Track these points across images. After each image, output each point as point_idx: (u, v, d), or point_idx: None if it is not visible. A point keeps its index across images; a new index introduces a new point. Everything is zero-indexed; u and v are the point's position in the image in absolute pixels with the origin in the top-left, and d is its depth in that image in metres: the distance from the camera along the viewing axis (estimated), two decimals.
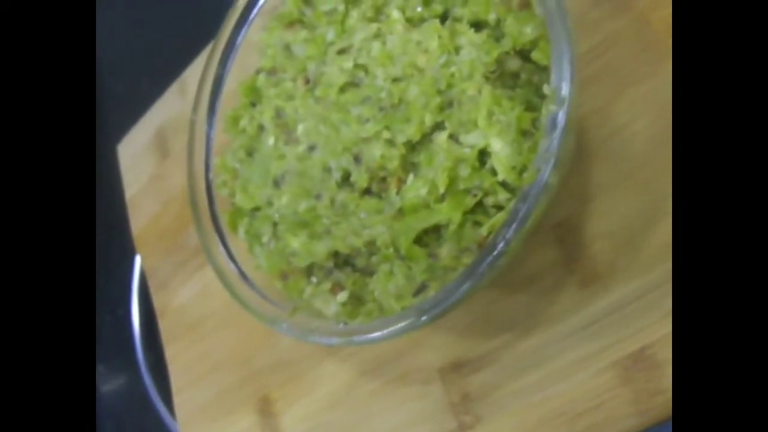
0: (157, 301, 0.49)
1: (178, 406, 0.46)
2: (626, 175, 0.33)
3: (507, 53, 0.29)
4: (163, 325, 0.48)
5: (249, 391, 0.42)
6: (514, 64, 0.29)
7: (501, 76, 0.29)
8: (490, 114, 0.28)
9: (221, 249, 0.34)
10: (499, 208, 0.28)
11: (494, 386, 0.35)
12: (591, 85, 0.35)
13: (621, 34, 0.35)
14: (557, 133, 0.25)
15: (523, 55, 0.29)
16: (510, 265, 0.30)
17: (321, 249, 0.32)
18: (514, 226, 0.25)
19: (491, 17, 0.30)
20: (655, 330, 0.31)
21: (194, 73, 0.50)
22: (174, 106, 0.51)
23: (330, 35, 0.33)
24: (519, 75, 0.30)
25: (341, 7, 0.33)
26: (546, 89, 0.26)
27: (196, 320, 0.46)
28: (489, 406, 0.35)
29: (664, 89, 0.33)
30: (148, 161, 0.51)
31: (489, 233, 0.27)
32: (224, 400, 0.44)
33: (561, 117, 0.25)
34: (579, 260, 0.34)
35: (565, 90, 0.25)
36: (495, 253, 0.25)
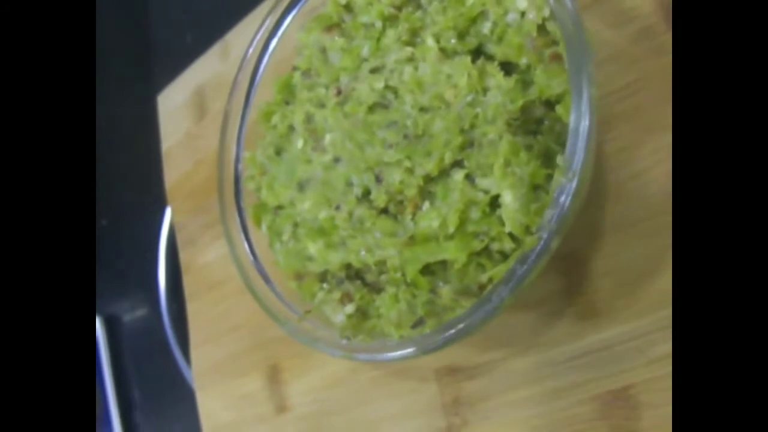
0: (183, 257, 0.51)
1: (195, 359, 0.49)
2: (638, 220, 0.34)
3: (533, 101, 0.30)
4: (187, 281, 0.51)
5: (260, 357, 0.46)
6: (538, 111, 0.30)
7: (525, 122, 0.30)
8: (507, 163, 0.29)
9: (243, 240, 0.36)
10: (505, 255, 0.29)
11: (484, 396, 0.37)
12: (619, 123, 0.35)
13: (656, 76, 0.35)
14: (563, 204, 0.26)
15: (549, 104, 0.30)
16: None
17: (335, 259, 0.33)
18: (510, 285, 0.27)
19: (522, 62, 0.30)
20: (640, 373, 0.33)
21: (236, 37, 0.51)
22: (215, 66, 0.51)
23: (365, 51, 0.34)
24: (543, 121, 0.30)
25: (378, 24, 0.33)
26: (559, 160, 0.27)
27: (218, 281, 0.48)
28: (477, 413, 0.37)
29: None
30: (185, 117, 0.53)
31: (489, 281, 0.29)
32: (237, 361, 0.47)
33: (569, 190, 0.26)
34: (580, 294, 0.35)
35: (576, 164, 0.26)
36: (488, 307, 0.27)
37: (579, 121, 0.26)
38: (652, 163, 0.34)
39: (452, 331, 0.28)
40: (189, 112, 0.53)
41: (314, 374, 0.43)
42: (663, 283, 0.33)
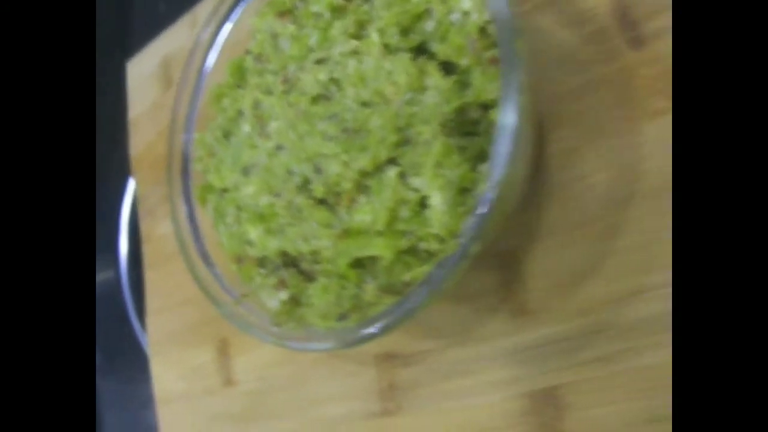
0: (144, 226, 0.52)
1: (150, 327, 0.50)
2: (576, 225, 0.34)
3: (469, 103, 0.30)
4: (146, 250, 0.51)
5: (211, 330, 0.46)
6: (475, 113, 0.30)
7: (461, 123, 0.30)
8: (438, 165, 0.29)
9: (187, 220, 0.37)
10: (431, 255, 0.30)
11: (419, 384, 0.38)
12: (568, 124, 0.35)
13: (606, 81, 0.35)
14: (483, 213, 0.26)
15: (486, 106, 0.30)
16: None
17: (273, 245, 0.34)
18: (428, 287, 0.27)
19: (463, 62, 0.30)
20: (567, 375, 0.34)
21: (205, 9, 0.50)
22: (183, 38, 0.51)
23: (313, 40, 0.34)
24: (479, 123, 0.30)
25: (327, 15, 0.33)
26: (483, 167, 0.27)
27: (176, 252, 0.49)
28: (411, 400, 0.38)
29: (630, 150, 0.33)
30: (152, 86, 0.53)
31: (412, 280, 0.29)
32: (190, 332, 0.48)
33: (490, 198, 0.26)
34: (515, 292, 0.36)
35: (497, 174, 0.26)
36: (406, 307, 0.28)
37: (505, 130, 0.26)
38: (595, 168, 0.34)
39: (371, 328, 0.29)
40: (156, 82, 0.53)
41: (259, 351, 0.44)
42: (595, 288, 0.33)
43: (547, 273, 0.35)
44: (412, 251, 0.30)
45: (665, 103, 0.33)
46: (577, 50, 0.36)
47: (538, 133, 0.35)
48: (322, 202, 0.33)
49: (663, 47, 0.33)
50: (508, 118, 0.26)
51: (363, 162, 0.31)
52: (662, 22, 0.33)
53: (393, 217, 0.30)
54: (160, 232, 0.50)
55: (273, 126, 0.34)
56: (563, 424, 0.34)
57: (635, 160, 0.33)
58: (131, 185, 0.56)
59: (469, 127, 0.30)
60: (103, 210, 0.58)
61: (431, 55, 0.31)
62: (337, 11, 0.33)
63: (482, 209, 0.27)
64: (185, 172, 0.38)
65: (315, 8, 0.34)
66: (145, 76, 0.54)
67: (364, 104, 0.32)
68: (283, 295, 0.33)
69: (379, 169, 0.31)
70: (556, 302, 0.35)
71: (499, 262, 0.36)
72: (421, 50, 0.31)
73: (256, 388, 0.44)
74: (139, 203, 0.52)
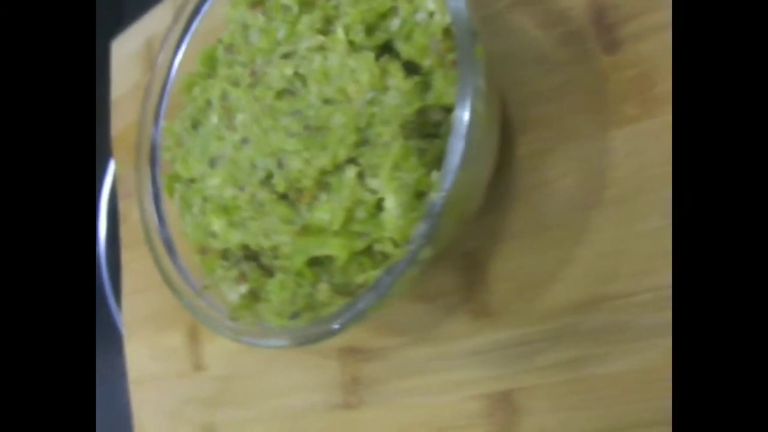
0: (122, 207, 0.52)
1: (125, 308, 0.50)
2: (540, 228, 0.34)
3: (430, 105, 0.29)
4: (123, 231, 0.51)
5: (183, 314, 0.46)
6: (436, 115, 0.30)
7: (422, 125, 0.30)
8: (395, 167, 0.29)
9: (153, 209, 0.37)
10: (386, 257, 0.30)
11: (380, 379, 0.38)
12: (537, 126, 0.35)
13: (578, 84, 0.34)
14: (432, 220, 0.26)
15: (448, 109, 0.29)
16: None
17: (235, 238, 0.34)
18: (376, 292, 0.27)
19: (426, 63, 0.30)
20: (524, 379, 0.34)
21: None
22: (167, 18, 0.51)
23: (281, 34, 0.33)
24: (441, 124, 0.30)
25: (295, 9, 0.33)
26: (434, 176, 0.27)
27: None
28: (372, 395, 0.39)
29: (598, 156, 0.33)
30: (136, 67, 0.53)
31: (364, 282, 0.29)
32: (163, 315, 0.48)
33: (440, 206, 0.26)
34: (477, 293, 0.36)
35: (449, 181, 0.26)
36: (355, 310, 0.28)
37: (458, 137, 0.26)
38: (562, 172, 0.34)
39: (322, 328, 0.29)
40: (139, 63, 0.52)
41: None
42: (558, 294, 0.33)
43: (510, 276, 0.35)
44: (367, 252, 0.30)
45: (636, 110, 0.32)
46: (551, 51, 0.35)
47: (505, 135, 0.35)
48: (283, 197, 0.33)
49: (637, 53, 0.33)
50: (461, 125, 0.26)
51: (323, 161, 0.31)
52: (638, 27, 0.33)
53: (349, 218, 0.30)
54: (137, 214, 0.50)
55: (239, 119, 0.34)
56: (518, 428, 0.34)
57: (603, 167, 0.33)
58: (111, 168, 0.56)
59: (430, 129, 0.30)
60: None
61: (395, 55, 0.31)
62: (306, 5, 0.33)
63: (432, 216, 0.26)
64: (154, 160, 0.38)
65: (285, 1, 0.33)
66: (129, 57, 0.53)
67: (327, 101, 0.31)
68: (243, 288, 0.33)
69: (339, 168, 0.31)
70: (517, 306, 0.34)
71: (462, 262, 0.36)
72: (385, 49, 0.31)
73: (224, 374, 0.44)
74: (119, 184, 0.52)
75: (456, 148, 0.26)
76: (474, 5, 0.36)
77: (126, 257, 0.51)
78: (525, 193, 0.35)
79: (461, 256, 0.36)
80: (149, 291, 0.49)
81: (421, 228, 0.27)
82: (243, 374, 0.43)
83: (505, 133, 0.35)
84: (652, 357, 0.31)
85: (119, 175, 0.53)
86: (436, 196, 0.26)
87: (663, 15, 0.32)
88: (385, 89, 0.30)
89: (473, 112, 0.26)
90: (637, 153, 0.32)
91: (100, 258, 0.55)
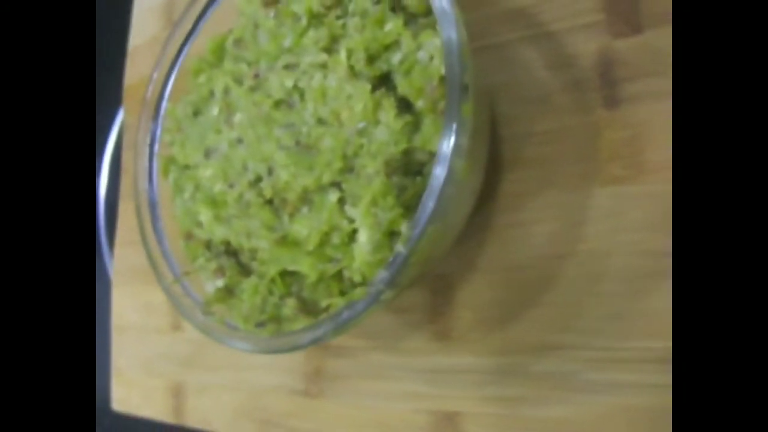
0: (125, 156, 0.53)
1: (117, 256, 0.52)
2: (511, 267, 0.35)
3: (416, 147, 0.30)
4: (123, 181, 0.53)
5: None
6: (422, 156, 0.30)
7: (407, 163, 0.30)
8: (374, 202, 0.30)
9: (147, 187, 0.38)
10: (354, 285, 0.31)
11: (342, 376, 0.40)
12: (524, 167, 0.36)
13: (572, 133, 0.35)
14: (394, 268, 0.27)
15: (433, 153, 0.30)
16: None
17: (219, 232, 0.35)
18: (334, 323, 0.29)
19: (419, 104, 0.30)
20: (470, 404, 0.36)
21: None
22: None
23: (287, 42, 0.33)
24: (426, 164, 0.31)
25: (304, 20, 0.33)
26: (403, 228, 0.28)
27: None
28: (331, 389, 0.41)
29: (578, 209, 0.34)
30: (155, 21, 0.53)
31: (327, 307, 0.31)
32: (150, 269, 0.50)
33: (401, 256, 0.27)
34: (442, 315, 0.37)
35: (415, 234, 0.27)
36: (313, 335, 0.29)
37: (431, 194, 0.27)
38: (541, 217, 0.35)
39: (281, 342, 0.30)
40: (159, 16, 0.53)
41: None
42: (515, 333, 0.35)
43: (475, 306, 0.36)
44: (337, 276, 0.31)
45: (623, 171, 0.33)
46: (552, 94, 0.35)
47: (493, 169, 0.36)
48: (269, 202, 0.34)
49: (635, 114, 0.33)
50: (436, 182, 0.27)
51: (307, 180, 0.32)
52: (640, 88, 0.33)
53: (324, 241, 0.31)
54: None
55: (238, 117, 0.35)
56: None
57: (580, 221, 0.34)
58: (120, 117, 0.57)
59: (415, 167, 0.31)
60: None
61: (392, 87, 0.31)
62: (315, 18, 0.33)
63: (396, 265, 0.27)
64: (152, 142, 0.39)
65: (296, 7, 0.34)
66: (151, 8, 0.53)
67: (320, 121, 0.32)
68: (220, 282, 0.35)
69: (322, 189, 0.32)
70: (476, 335, 0.36)
71: (435, 284, 0.37)
72: (384, 79, 0.31)
73: (199, 339, 0.46)
74: (125, 134, 0.53)
75: (427, 205, 0.27)
76: (482, 33, 0.37)
77: (123, 208, 0.52)
78: (502, 230, 0.36)
79: (435, 278, 0.37)
80: (140, 245, 0.51)
81: (383, 274, 0.28)
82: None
83: (493, 166, 0.36)
84: (587, 411, 0.32)
85: (126, 124, 0.54)
86: (401, 248, 0.27)
87: (666, 83, 0.32)
88: (376, 122, 0.30)
89: (451, 170, 0.27)
90: (615, 215, 0.33)
91: (98, 207, 0.56)
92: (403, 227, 0.28)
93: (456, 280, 0.37)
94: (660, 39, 0.33)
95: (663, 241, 0.31)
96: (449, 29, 0.28)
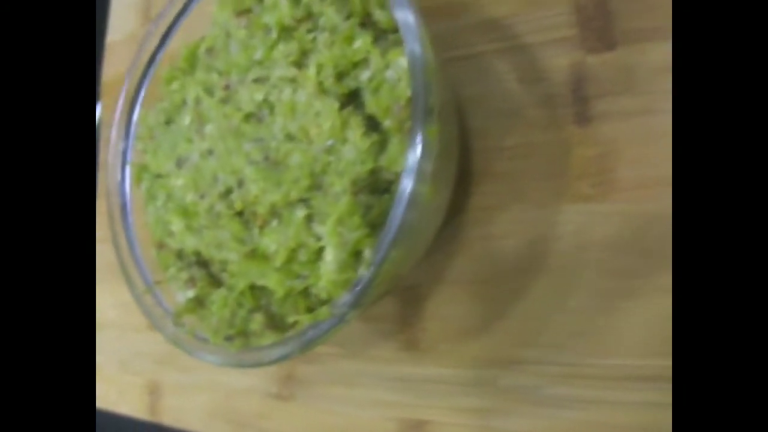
0: (101, 153, 0.53)
1: (98, 253, 0.52)
2: (478, 280, 0.36)
3: (383, 167, 0.30)
4: (100, 178, 0.53)
5: None
6: (388, 174, 0.30)
7: (374, 181, 0.31)
8: (340, 221, 0.30)
9: (119, 194, 0.38)
10: (321, 302, 0.31)
11: (312, 381, 0.41)
12: (494, 180, 0.36)
13: (542, 149, 0.35)
14: (358, 291, 0.27)
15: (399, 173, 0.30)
16: None
17: (189, 242, 0.35)
18: (299, 342, 0.29)
19: (386, 123, 0.30)
20: (437, 414, 0.36)
21: None
22: None
23: (258, 55, 0.33)
24: (393, 182, 0.31)
25: (274, 33, 0.33)
26: (366, 253, 0.28)
27: None
28: (302, 393, 0.41)
29: (546, 225, 0.34)
30: (133, 17, 0.52)
31: (294, 324, 0.31)
32: None
33: (365, 281, 0.27)
34: (411, 326, 0.38)
35: (377, 260, 0.27)
36: (278, 352, 0.29)
37: (393, 221, 0.27)
38: (507, 232, 0.35)
39: (248, 357, 0.31)
40: (137, 13, 0.52)
41: None
42: (482, 345, 0.35)
43: (443, 318, 0.37)
44: (304, 293, 0.32)
45: (591, 189, 0.33)
46: (524, 108, 0.35)
47: (463, 182, 0.36)
48: (239, 214, 0.34)
49: (605, 132, 0.33)
50: (398, 208, 0.27)
51: (275, 197, 0.32)
52: (611, 106, 0.33)
53: (291, 258, 0.31)
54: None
55: (208, 129, 0.35)
56: None
57: (548, 236, 0.34)
58: (98, 112, 0.57)
59: (382, 185, 0.31)
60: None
61: (361, 104, 0.31)
62: (286, 30, 0.33)
63: (358, 289, 0.28)
64: (125, 150, 0.38)
65: (267, 19, 0.33)
66: (129, 3, 0.53)
67: (289, 137, 0.32)
68: (190, 293, 0.35)
69: (290, 204, 0.32)
70: (444, 347, 0.36)
71: (405, 295, 0.38)
72: (353, 96, 0.31)
73: None
74: (101, 130, 0.53)
75: (390, 230, 0.27)
76: (456, 44, 0.37)
77: (100, 206, 0.52)
78: (471, 243, 0.36)
79: (405, 289, 0.38)
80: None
81: (346, 297, 0.28)
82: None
83: (464, 179, 0.36)
84: (553, 425, 0.33)
85: (103, 120, 0.53)
86: (364, 272, 0.28)
87: (637, 101, 0.32)
88: (344, 140, 0.30)
89: (414, 195, 0.27)
90: (582, 232, 0.33)
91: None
92: (366, 252, 0.28)
93: (425, 291, 0.37)
94: (633, 56, 0.33)
95: (630, 260, 0.32)
96: (415, 49, 0.28)
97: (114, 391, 0.50)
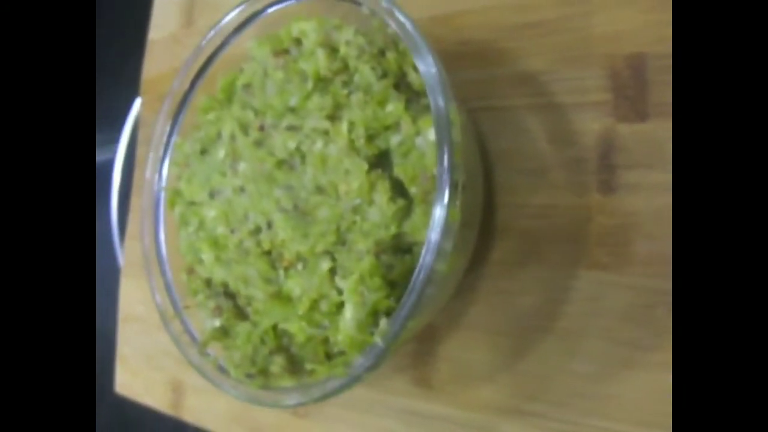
0: (139, 150, 0.54)
1: (127, 249, 0.54)
2: (493, 331, 0.37)
3: (406, 233, 0.31)
4: (136, 176, 0.54)
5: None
6: (411, 239, 0.31)
7: (397, 242, 0.32)
8: (361, 280, 0.31)
9: (153, 220, 0.40)
10: (341, 352, 0.33)
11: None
12: (515, 236, 0.37)
13: (564, 212, 0.35)
14: (372, 357, 0.29)
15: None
16: None
17: (218, 273, 0.37)
18: (311, 394, 0.31)
19: (413, 190, 0.31)
20: None
21: None
22: None
23: (293, 101, 0.34)
24: (416, 244, 0.32)
25: (310, 84, 0.33)
26: (382, 323, 0.29)
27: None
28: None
29: (561, 287, 0.35)
30: (175, 17, 0.53)
31: (312, 371, 0.32)
32: None
33: (379, 349, 0.29)
34: (425, 364, 0.39)
35: (393, 332, 0.28)
36: (292, 401, 0.31)
37: (412, 294, 0.28)
38: (525, 289, 0.36)
39: (267, 397, 0.33)
40: (179, 13, 0.53)
41: None
42: (487, 392, 0.37)
43: (455, 361, 0.38)
44: (324, 340, 0.33)
45: (607, 258, 0.34)
46: (551, 169, 0.36)
47: (487, 235, 0.36)
48: (267, 253, 0.35)
49: (627, 204, 0.34)
50: (417, 284, 0.28)
51: (302, 247, 0.33)
52: (637, 179, 0.33)
53: (313, 307, 0.33)
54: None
55: (242, 167, 0.36)
56: None
57: (562, 299, 0.35)
58: (135, 108, 0.58)
59: (405, 246, 0.32)
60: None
61: (389, 166, 0.32)
62: (321, 81, 0.33)
63: (373, 354, 0.29)
64: (160, 174, 0.40)
65: (304, 65, 0.34)
66: (171, 3, 0.53)
67: (319, 189, 0.33)
68: (217, 322, 0.37)
69: (316, 255, 0.33)
70: (453, 389, 0.38)
71: (422, 333, 0.39)
72: (383, 157, 0.32)
73: None
74: (140, 128, 0.54)
75: (407, 304, 0.28)
76: (489, 94, 0.37)
77: (135, 202, 0.54)
78: (489, 295, 0.37)
79: (423, 328, 0.39)
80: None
81: (361, 360, 0.29)
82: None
83: (487, 233, 0.37)
84: None
85: (142, 118, 0.55)
86: (380, 341, 0.29)
87: (664, 177, 0.33)
88: (370, 202, 0.31)
89: (432, 273, 0.28)
90: (594, 299, 0.34)
91: (111, 195, 0.58)
92: (382, 322, 0.30)
93: (441, 333, 0.39)
94: (664, 130, 0.33)
95: (636, 332, 0.33)
96: (443, 132, 0.28)
97: (140, 383, 0.53)
